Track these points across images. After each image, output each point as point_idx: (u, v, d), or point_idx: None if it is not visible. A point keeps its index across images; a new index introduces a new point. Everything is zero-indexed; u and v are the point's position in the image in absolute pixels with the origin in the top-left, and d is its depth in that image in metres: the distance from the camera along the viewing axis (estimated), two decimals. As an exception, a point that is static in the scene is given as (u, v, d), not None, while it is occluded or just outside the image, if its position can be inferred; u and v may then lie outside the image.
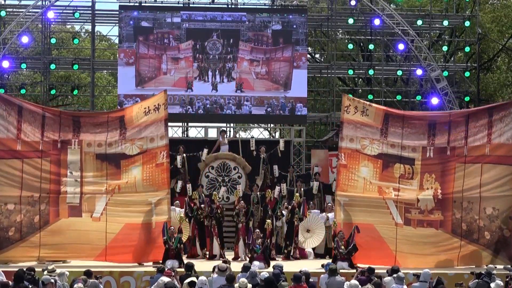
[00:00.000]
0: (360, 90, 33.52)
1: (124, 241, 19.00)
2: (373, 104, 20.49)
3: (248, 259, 19.25)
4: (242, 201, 21.47)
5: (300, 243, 21.35)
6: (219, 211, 20.99)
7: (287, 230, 21.18)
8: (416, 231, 19.11)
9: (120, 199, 19.25)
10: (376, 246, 18.98)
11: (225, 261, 15.51)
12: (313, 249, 21.75)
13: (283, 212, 21.37)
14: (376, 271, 15.24)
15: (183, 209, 21.67)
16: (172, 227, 19.57)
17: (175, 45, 27.33)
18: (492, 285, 13.97)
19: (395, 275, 14.38)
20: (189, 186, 22.92)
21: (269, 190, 21.65)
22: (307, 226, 21.44)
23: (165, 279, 13.74)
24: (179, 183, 23.35)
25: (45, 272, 14.27)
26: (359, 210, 19.22)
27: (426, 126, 19.46)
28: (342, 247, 18.92)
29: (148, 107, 19.52)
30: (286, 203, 22.13)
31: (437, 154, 19.30)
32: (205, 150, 24.24)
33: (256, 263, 18.40)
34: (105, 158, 19.39)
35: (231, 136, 28.00)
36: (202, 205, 21.12)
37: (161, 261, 18.41)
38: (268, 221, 20.34)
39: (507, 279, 15.03)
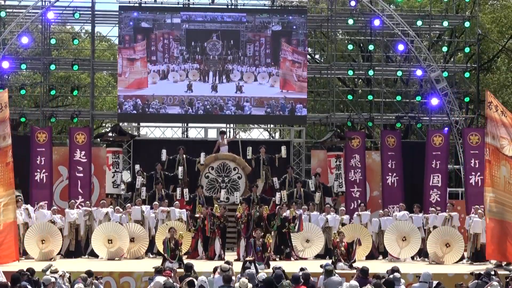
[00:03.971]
0: (360, 91, 33.52)
1: None
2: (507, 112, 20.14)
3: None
4: (243, 203, 21.56)
5: (298, 251, 21.32)
6: (221, 220, 20.99)
7: (279, 237, 21.16)
8: None
9: None
10: None
11: (227, 262, 15.49)
12: (313, 249, 21.78)
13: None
14: (376, 271, 15.21)
15: (184, 210, 21.75)
16: (173, 228, 19.61)
17: (129, 46, 27.17)
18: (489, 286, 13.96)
19: (391, 276, 14.34)
20: (186, 190, 22.92)
21: (266, 207, 21.46)
22: (306, 236, 21.40)
23: (163, 278, 13.74)
24: (178, 190, 23.30)
25: (47, 273, 14.28)
26: (503, 208, 19.01)
27: None
28: (342, 248, 18.98)
29: None
30: (285, 206, 22.04)
31: None
32: (203, 155, 24.26)
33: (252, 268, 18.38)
34: None
35: (231, 137, 27.99)
36: (203, 209, 21.13)
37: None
38: (268, 235, 20.29)
39: (507, 280, 15.02)
